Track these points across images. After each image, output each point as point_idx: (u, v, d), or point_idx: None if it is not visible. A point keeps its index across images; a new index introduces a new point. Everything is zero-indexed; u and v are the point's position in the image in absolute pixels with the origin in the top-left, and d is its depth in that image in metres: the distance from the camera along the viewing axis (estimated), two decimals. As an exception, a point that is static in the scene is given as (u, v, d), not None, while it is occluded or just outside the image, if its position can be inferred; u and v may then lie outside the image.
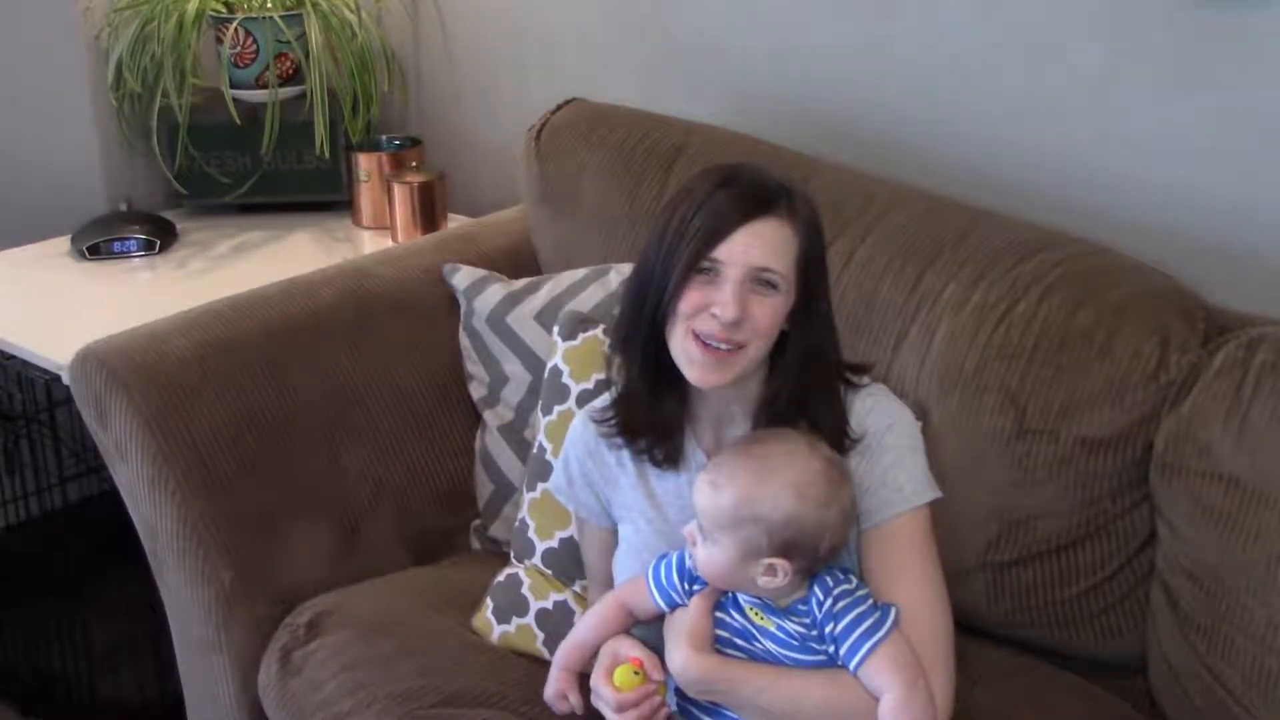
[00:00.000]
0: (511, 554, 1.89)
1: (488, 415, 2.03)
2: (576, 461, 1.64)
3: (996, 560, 1.73)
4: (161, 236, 2.58)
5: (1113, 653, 1.73)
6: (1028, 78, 2.00)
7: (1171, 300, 1.70)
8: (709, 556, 1.45)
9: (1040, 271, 1.75)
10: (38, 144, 2.68)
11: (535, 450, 1.89)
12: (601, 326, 1.88)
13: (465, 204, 2.66)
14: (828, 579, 1.44)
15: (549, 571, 1.82)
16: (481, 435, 2.04)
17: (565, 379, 1.87)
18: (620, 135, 2.12)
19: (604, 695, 1.50)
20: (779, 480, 1.41)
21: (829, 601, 1.43)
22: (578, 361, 1.87)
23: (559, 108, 2.23)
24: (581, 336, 1.88)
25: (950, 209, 1.90)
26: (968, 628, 1.62)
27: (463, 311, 2.06)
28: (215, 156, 2.67)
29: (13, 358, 2.24)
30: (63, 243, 2.59)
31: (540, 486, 1.85)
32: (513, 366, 2.01)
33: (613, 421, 1.58)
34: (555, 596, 1.80)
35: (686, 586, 1.50)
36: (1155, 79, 1.88)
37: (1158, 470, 1.65)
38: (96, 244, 2.53)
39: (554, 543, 1.82)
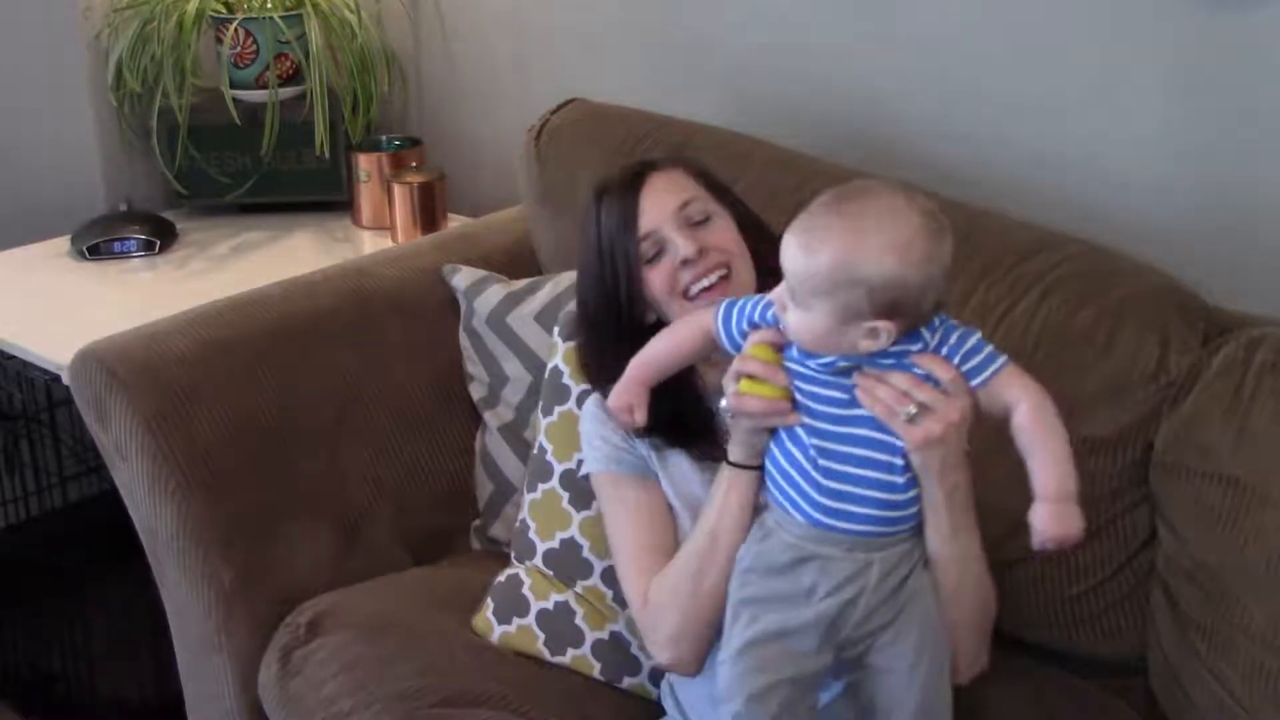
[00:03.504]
0: (512, 555, 1.89)
1: (488, 416, 2.03)
2: (601, 437, 1.64)
3: (997, 560, 1.71)
4: (161, 236, 2.57)
5: (1113, 653, 1.73)
6: (1028, 78, 2.00)
7: (1171, 300, 1.70)
8: (802, 322, 1.34)
9: (1040, 271, 1.75)
10: (38, 144, 2.68)
11: (536, 451, 1.89)
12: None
13: (465, 204, 2.65)
14: (935, 321, 1.36)
15: (550, 572, 1.82)
16: (481, 435, 2.04)
17: (565, 379, 1.87)
18: (620, 135, 2.12)
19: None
20: (878, 240, 1.30)
21: (941, 331, 1.35)
22: (578, 362, 1.87)
23: (559, 108, 2.23)
24: (582, 337, 1.89)
25: (950, 209, 1.88)
26: (968, 628, 1.62)
27: (463, 312, 2.06)
28: (215, 156, 2.66)
29: (13, 358, 2.24)
30: (63, 243, 2.58)
31: (541, 487, 1.85)
32: (513, 367, 2.01)
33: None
34: (556, 597, 1.80)
35: (745, 332, 1.42)
36: (1155, 79, 1.88)
37: (1158, 470, 1.65)
38: (96, 244, 2.53)
39: (555, 544, 1.82)
